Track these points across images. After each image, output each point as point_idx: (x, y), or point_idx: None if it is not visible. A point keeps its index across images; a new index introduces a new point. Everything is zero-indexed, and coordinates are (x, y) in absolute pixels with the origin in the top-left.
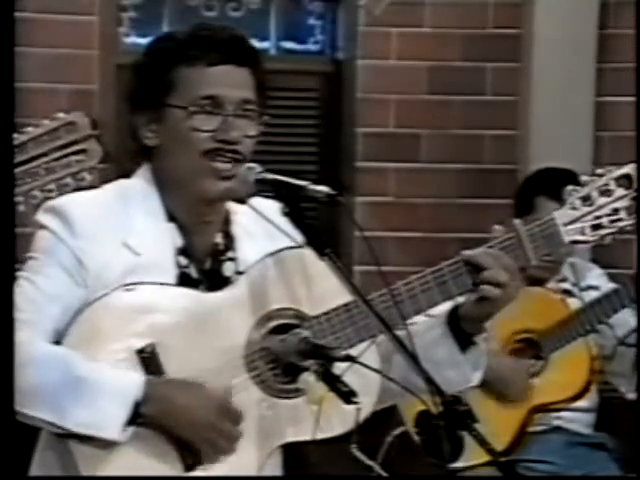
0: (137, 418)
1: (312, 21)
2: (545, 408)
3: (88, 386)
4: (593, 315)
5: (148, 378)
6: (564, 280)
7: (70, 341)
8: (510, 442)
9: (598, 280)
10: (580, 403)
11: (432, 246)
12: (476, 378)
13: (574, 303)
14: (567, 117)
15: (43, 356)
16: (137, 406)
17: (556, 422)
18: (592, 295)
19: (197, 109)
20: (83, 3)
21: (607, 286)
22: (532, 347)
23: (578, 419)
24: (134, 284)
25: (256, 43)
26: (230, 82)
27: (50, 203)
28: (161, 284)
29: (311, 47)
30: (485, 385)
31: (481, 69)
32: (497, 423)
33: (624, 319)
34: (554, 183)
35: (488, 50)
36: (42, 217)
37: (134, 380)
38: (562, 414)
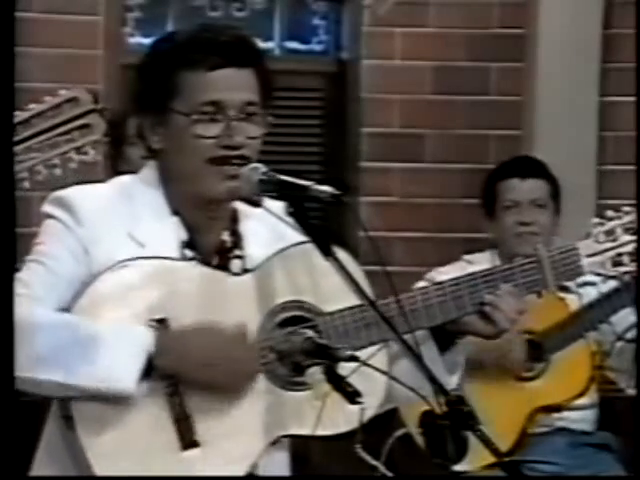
0: (151, 371)
1: (316, 21)
2: (548, 409)
3: (99, 342)
4: (594, 315)
5: (159, 332)
6: None
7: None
8: (513, 443)
9: (595, 276)
10: (580, 401)
11: (437, 246)
12: (452, 382)
13: (570, 299)
14: (571, 117)
15: (50, 321)
16: (150, 359)
17: (560, 423)
18: (588, 291)
19: (199, 116)
20: (87, 3)
21: (604, 282)
22: (533, 349)
23: (581, 418)
24: (137, 258)
25: (260, 43)
26: (232, 86)
27: (55, 194)
28: (165, 258)
29: (315, 47)
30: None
31: (486, 69)
32: (499, 425)
33: (623, 315)
34: (506, 167)
35: (493, 50)
36: (47, 207)
37: (145, 333)
38: (565, 415)
